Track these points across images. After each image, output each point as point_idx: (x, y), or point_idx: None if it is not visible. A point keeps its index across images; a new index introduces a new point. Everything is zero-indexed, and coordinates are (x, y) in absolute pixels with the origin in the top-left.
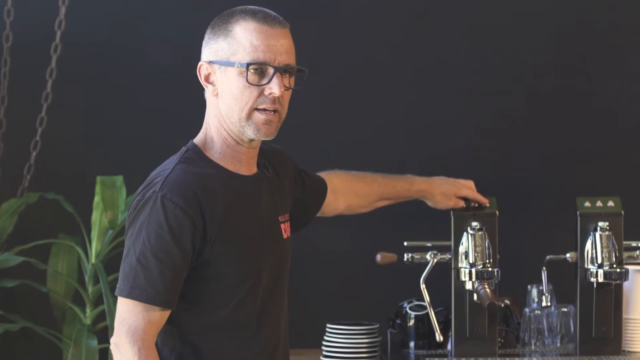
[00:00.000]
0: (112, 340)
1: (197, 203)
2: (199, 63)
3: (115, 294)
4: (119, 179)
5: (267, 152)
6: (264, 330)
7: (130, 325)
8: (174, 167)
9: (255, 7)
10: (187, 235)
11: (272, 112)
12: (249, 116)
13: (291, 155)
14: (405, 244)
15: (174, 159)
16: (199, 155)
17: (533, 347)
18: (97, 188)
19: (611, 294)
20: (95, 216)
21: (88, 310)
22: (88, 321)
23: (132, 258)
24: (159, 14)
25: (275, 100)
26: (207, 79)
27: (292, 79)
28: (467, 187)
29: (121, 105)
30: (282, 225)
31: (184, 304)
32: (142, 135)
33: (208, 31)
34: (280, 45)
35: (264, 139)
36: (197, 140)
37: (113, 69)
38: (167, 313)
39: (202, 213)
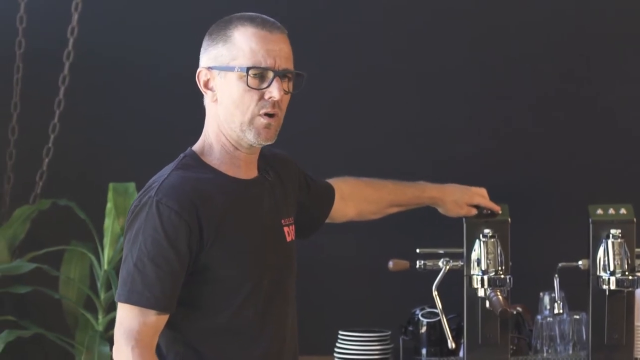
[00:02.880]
0: (113, 348)
1: (193, 207)
2: (198, 69)
3: (115, 299)
4: (131, 186)
5: (268, 156)
6: (267, 334)
7: (126, 327)
8: (170, 173)
9: (252, 13)
10: (183, 240)
11: (272, 116)
12: (250, 121)
13: (295, 160)
14: (417, 250)
15: (171, 166)
16: (196, 162)
17: (545, 354)
18: (110, 195)
19: (623, 301)
20: (108, 223)
21: (100, 316)
22: (100, 327)
23: (130, 263)
24: (171, 21)
25: (275, 104)
26: (206, 85)
27: (291, 84)
28: (480, 195)
29: (133, 112)
30: (286, 229)
31: (184, 309)
32: (155, 142)
33: (206, 38)
34: (280, 50)
35: (263, 143)
36: (196, 147)
37: (125, 75)
38: (164, 317)
39: (198, 217)
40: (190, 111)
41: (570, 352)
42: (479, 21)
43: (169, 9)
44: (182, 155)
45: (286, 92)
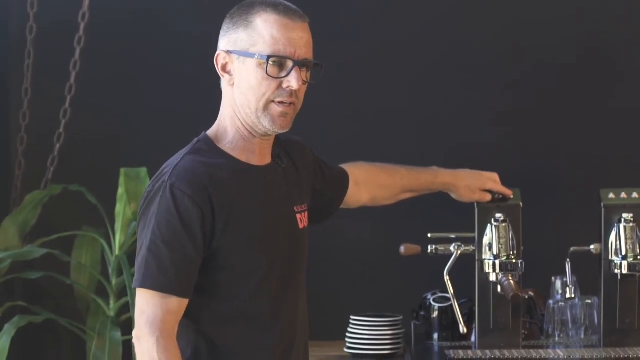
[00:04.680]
0: (133, 333)
1: (206, 192)
2: (217, 52)
3: (132, 286)
4: (143, 171)
5: (282, 143)
6: (280, 321)
7: (149, 315)
8: (182, 157)
9: None
10: (197, 224)
11: (288, 105)
12: (265, 107)
13: (310, 147)
14: (429, 235)
15: (184, 150)
16: (209, 146)
17: (557, 338)
18: (121, 180)
19: (635, 285)
20: (119, 208)
21: (112, 302)
22: (112, 313)
23: (144, 248)
24: (184, 5)
25: (292, 93)
26: (224, 68)
27: (309, 73)
28: (492, 180)
29: (145, 97)
30: (299, 216)
31: (197, 295)
32: (167, 127)
33: (227, 21)
34: (300, 39)
35: (278, 131)
36: (210, 131)
37: (136, 61)
38: (185, 302)
39: (210, 202)
40: (204, 96)
41: (582, 336)
42: (494, 9)
43: None
44: (195, 139)
45: (304, 82)
